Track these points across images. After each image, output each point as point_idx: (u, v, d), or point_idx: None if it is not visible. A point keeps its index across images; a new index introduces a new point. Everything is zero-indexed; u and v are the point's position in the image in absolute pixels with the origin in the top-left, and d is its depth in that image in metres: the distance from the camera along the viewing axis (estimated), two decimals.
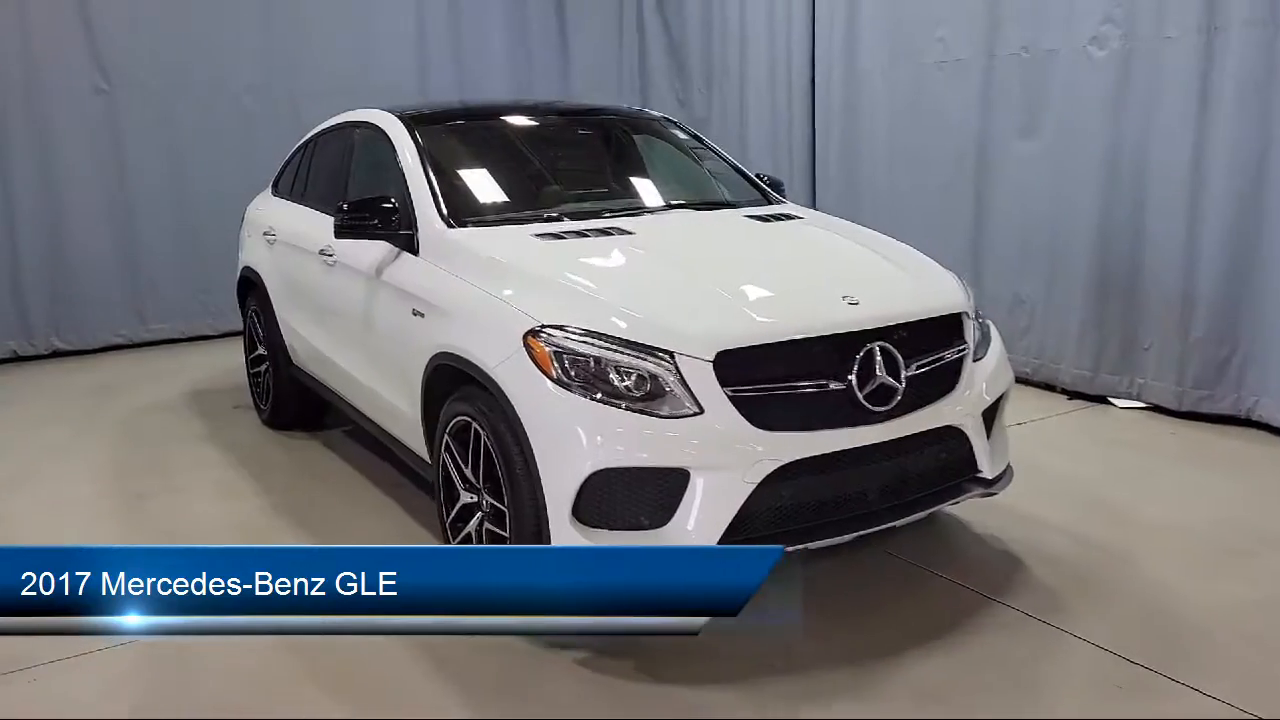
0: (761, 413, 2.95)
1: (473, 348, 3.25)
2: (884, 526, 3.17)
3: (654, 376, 2.93)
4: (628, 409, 2.92)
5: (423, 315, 3.63)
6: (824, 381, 3.03)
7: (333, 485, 4.79)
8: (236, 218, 7.96)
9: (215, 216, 7.94)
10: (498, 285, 3.34)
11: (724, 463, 2.93)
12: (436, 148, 4.18)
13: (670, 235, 3.85)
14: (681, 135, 4.89)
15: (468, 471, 3.41)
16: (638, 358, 2.95)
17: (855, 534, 3.12)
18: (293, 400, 5.49)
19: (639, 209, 4.09)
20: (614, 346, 2.97)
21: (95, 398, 6.45)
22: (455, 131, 4.46)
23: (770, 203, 4.45)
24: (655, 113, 5.25)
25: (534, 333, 3.05)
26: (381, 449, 5.02)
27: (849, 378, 3.05)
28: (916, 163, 6.54)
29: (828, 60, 7.15)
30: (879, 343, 3.10)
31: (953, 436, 3.31)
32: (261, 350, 5.69)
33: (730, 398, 2.93)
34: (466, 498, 3.46)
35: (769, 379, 2.99)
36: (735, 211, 4.24)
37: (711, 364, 2.93)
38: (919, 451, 3.23)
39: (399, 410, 3.93)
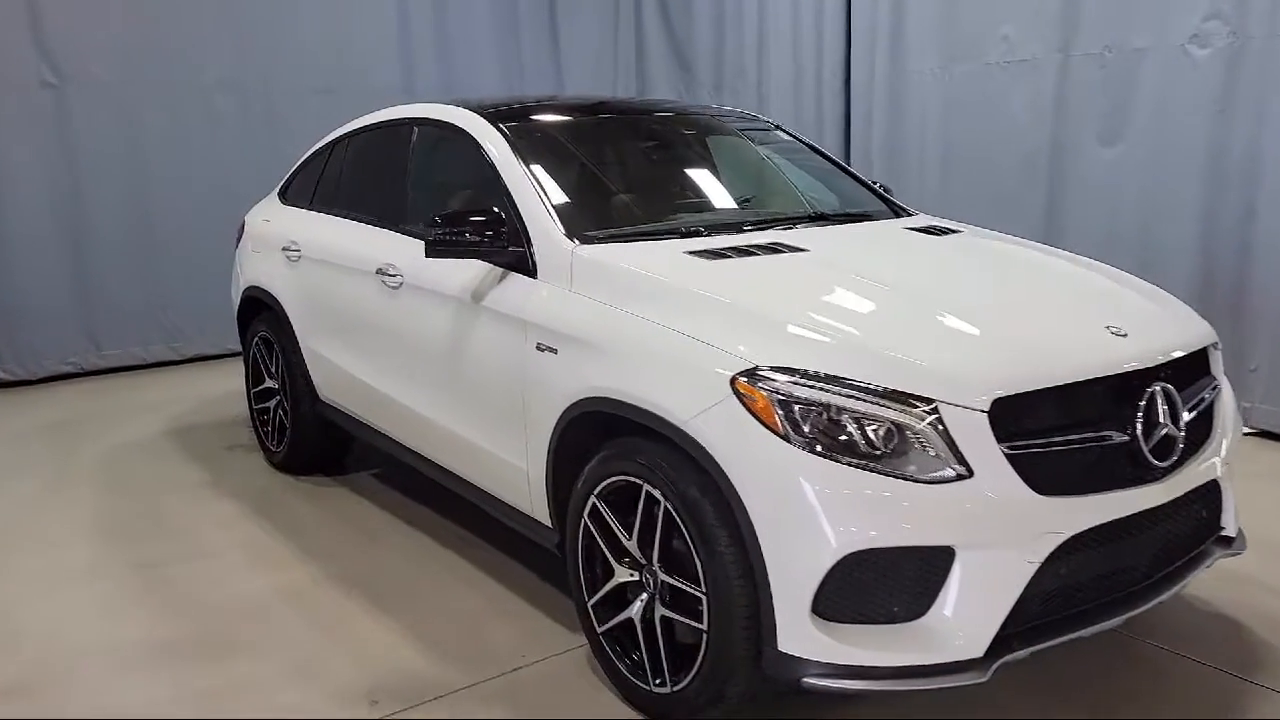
0: (1039, 474, 2.39)
1: (652, 394, 2.61)
2: (1153, 604, 2.64)
3: (906, 430, 2.35)
4: (878, 472, 2.32)
5: (554, 351, 2.97)
6: (1106, 433, 2.48)
7: (390, 545, 4.07)
8: (203, 227, 7.18)
9: (179, 227, 7.14)
10: (670, 315, 2.70)
11: (1000, 538, 2.36)
12: (533, 150, 3.52)
13: (851, 253, 3.26)
14: (785, 137, 4.32)
15: (630, 544, 2.77)
16: (887, 407, 2.36)
17: (1125, 616, 2.58)
18: (316, 440, 4.75)
19: (783, 221, 3.49)
20: (857, 393, 2.37)
21: (57, 439, 5.57)
22: (548, 132, 3.79)
23: (907, 212, 3.90)
24: (751, 113, 4.66)
25: (748, 376, 2.43)
26: (426, 496, 4.39)
27: (1133, 427, 2.51)
28: (976, 169, 6.09)
29: (868, 60, 6.67)
30: (1160, 384, 2.57)
31: (1210, 491, 2.80)
32: (272, 383, 4.92)
33: (1008, 456, 2.35)
34: (624, 575, 2.82)
35: (1047, 432, 2.43)
36: (892, 224, 3.69)
37: (987, 414, 2.35)
38: (1185, 511, 2.71)
39: (504, 463, 3.26)
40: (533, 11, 8.53)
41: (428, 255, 3.28)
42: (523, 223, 3.25)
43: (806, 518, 2.33)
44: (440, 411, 3.57)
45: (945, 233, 3.54)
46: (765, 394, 2.40)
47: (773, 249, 3.09)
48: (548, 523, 3.17)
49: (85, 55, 6.68)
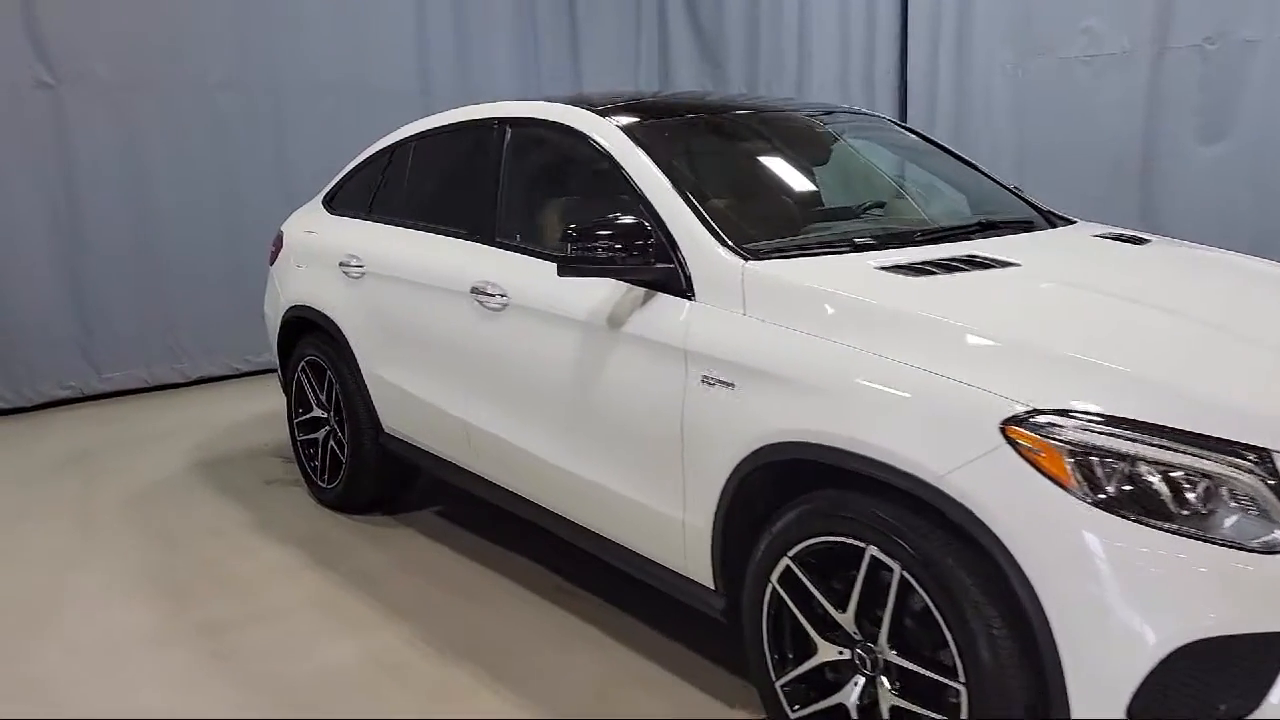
0: None
1: (885, 441, 2.18)
2: None
3: (1230, 486, 1.94)
4: (1201, 539, 1.91)
5: (729, 385, 2.53)
6: None
7: (481, 598, 3.60)
8: (209, 238, 6.65)
9: (183, 238, 6.60)
10: (896, 345, 2.28)
11: None
12: (667, 153, 3.08)
13: (1072, 267, 2.85)
14: (913, 138, 3.91)
15: (843, 617, 2.34)
16: (1207, 458, 1.95)
17: None
18: (377, 477, 4.26)
19: (957, 230, 3.07)
20: (1168, 441, 1.96)
21: (72, 476, 5.02)
22: (676, 132, 3.33)
23: (1062, 218, 3.51)
24: (876, 113, 4.25)
25: (1024, 422, 2.01)
26: (503, 537, 3.96)
27: None
28: (1055, 172, 5.72)
29: (929, 57, 6.29)
30: None
31: None
32: (321, 412, 4.43)
33: None
34: (829, 653, 2.39)
35: None
36: (1077, 231, 3.30)
37: None
38: None
39: (652, 513, 2.82)
40: (552, 10, 8.07)
41: (561, 274, 2.83)
42: (669, 235, 2.81)
43: (1117, 601, 1.91)
44: (561, 452, 3.11)
45: (1140, 241, 3.15)
46: (1051, 443, 1.98)
47: (979, 263, 2.67)
48: (709, 584, 2.73)
49: (84, 53, 6.12)
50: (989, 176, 3.73)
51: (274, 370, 6.99)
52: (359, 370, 4.09)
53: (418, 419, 3.85)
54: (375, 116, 7.17)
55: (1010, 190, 3.67)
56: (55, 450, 5.42)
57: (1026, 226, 3.28)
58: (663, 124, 3.28)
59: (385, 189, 4.19)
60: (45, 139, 6.07)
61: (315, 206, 4.67)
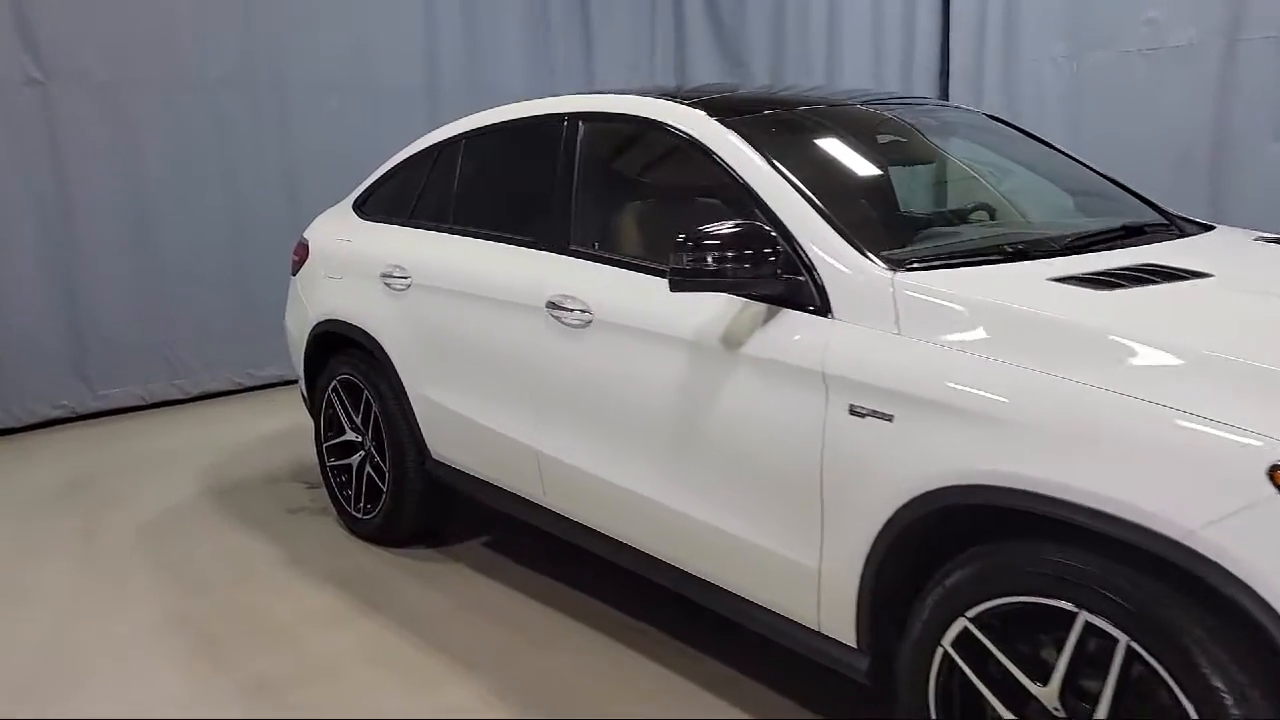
0: None
1: (1108, 488, 1.85)
2: None
3: None
4: None
5: (885, 418, 2.20)
6: None
7: (550, 643, 3.25)
8: (210, 245, 6.24)
9: (183, 245, 6.20)
10: (1104, 371, 1.95)
11: None
12: (779, 150, 2.74)
13: (1262, 277, 2.53)
14: (1016, 133, 3.60)
15: (1044, 691, 2.01)
16: None
17: None
18: (422, 507, 3.90)
19: (1102, 235, 2.75)
20: None
21: (74, 505, 4.60)
22: (779, 128, 2.98)
23: (1194, 221, 3.20)
24: (968, 107, 3.92)
25: None
26: (559, 571, 3.62)
27: None
28: (1114, 170, 5.42)
29: (973, 50, 6.00)
30: None
31: None
32: (355, 435, 4.06)
33: None
34: None
35: None
36: (1239, 236, 2.99)
37: None
38: None
39: (777, 559, 2.48)
40: (564, 7, 7.70)
41: (675, 289, 2.48)
42: (796, 243, 2.47)
43: None
44: (661, 487, 2.76)
45: None
46: None
47: (1169, 274, 2.35)
48: (850, 642, 2.39)
49: (76, 48, 5.69)
50: (1111, 179, 3.41)
51: (279, 385, 6.66)
52: (403, 391, 3.72)
53: (473, 445, 3.49)
54: (382, 116, 6.83)
55: (1132, 193, 3.36)
56: (52, 476, 4.99)
57: (1170, 231, 2.97)
58: (763, 119, 2.93)
59: (431, 192, 3.82)
60: (35, 140, 5.64)
61: (344, 211, 4.29)
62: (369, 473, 4.02)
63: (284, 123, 6.49)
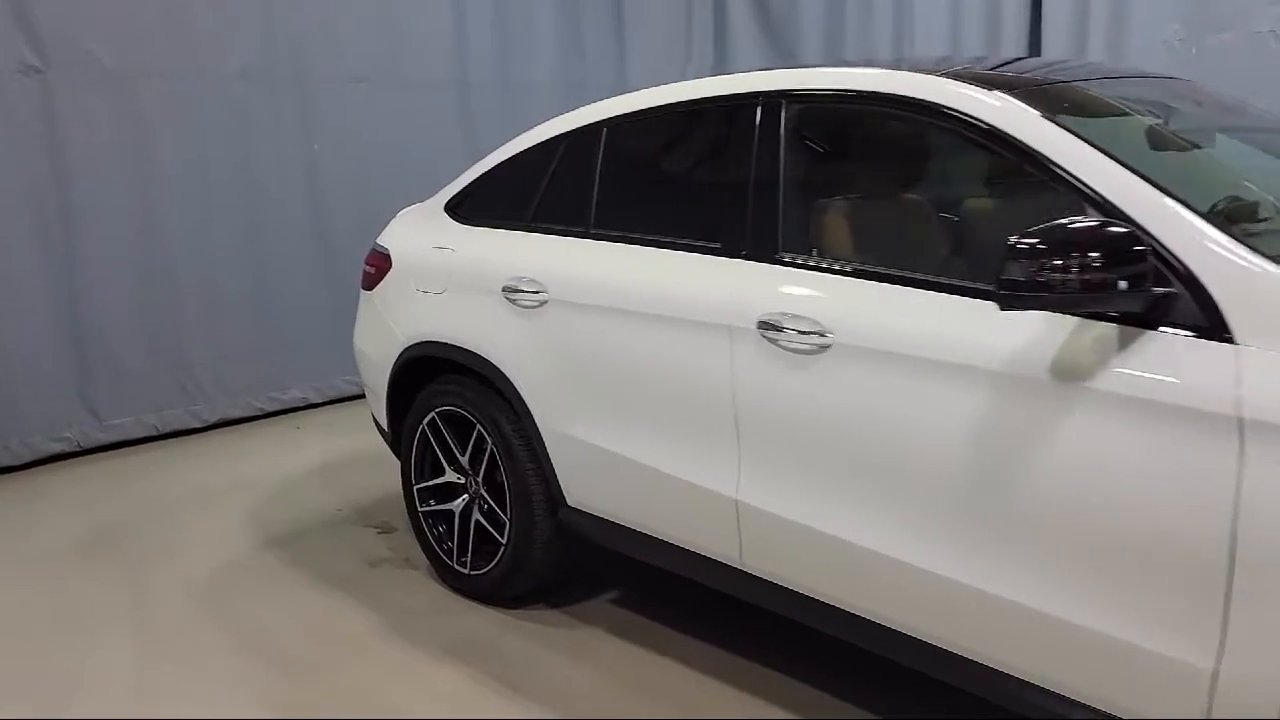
0: None
1: None
2: None
3: None
4: None
5: None
6: None
7: None
8: (227, 254, 5.57)
9: (197, 254, 5.53)
10: None
11: None
12: (1100, 140, 2.20)
13: None
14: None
15: None
16: None
17: None
18: (549, 561, 3.32)
19: None
20: None
21: (111, 561, 3.94)
22: (1082, 111, 2.41)
23: None
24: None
25: None
26: (709, 632, 3.04)
27: None
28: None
29: (1074, 34, 5.55)
30: None
31: None
32: (456, 477, 3.47)
33: None
34: None
35: None
36: None
37: None
38: None
39: (1148, 658, 1.95)
40: None
41: (1006, 307, 1.94)
42: (1165, 247, 1.94)
43: None
44: (950, 559, 2.21)
45: None
46: None
47: None
48: None
49: (79, 32, 5.01)
50: None
51: (304, 409, 5.99)
52: (534, 427, 3.13)
53: (633, 492, 2.91)
54: (412, 110, 6.22)
55: None
56: (72, 525, 4.31)
57: None
58: (1061, 100, 2.38)
59: (558, 192, 3.24)
60: (32, 136, 4.94)
61: (433, 215, 3.68)
62: (478, 520, 3.43)
63: (306, 118, 5.84)
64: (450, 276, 3.41)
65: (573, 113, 3.31)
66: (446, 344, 3.39)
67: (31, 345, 5.03)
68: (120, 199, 5.23)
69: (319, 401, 6.13)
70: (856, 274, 2.39)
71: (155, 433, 5.50)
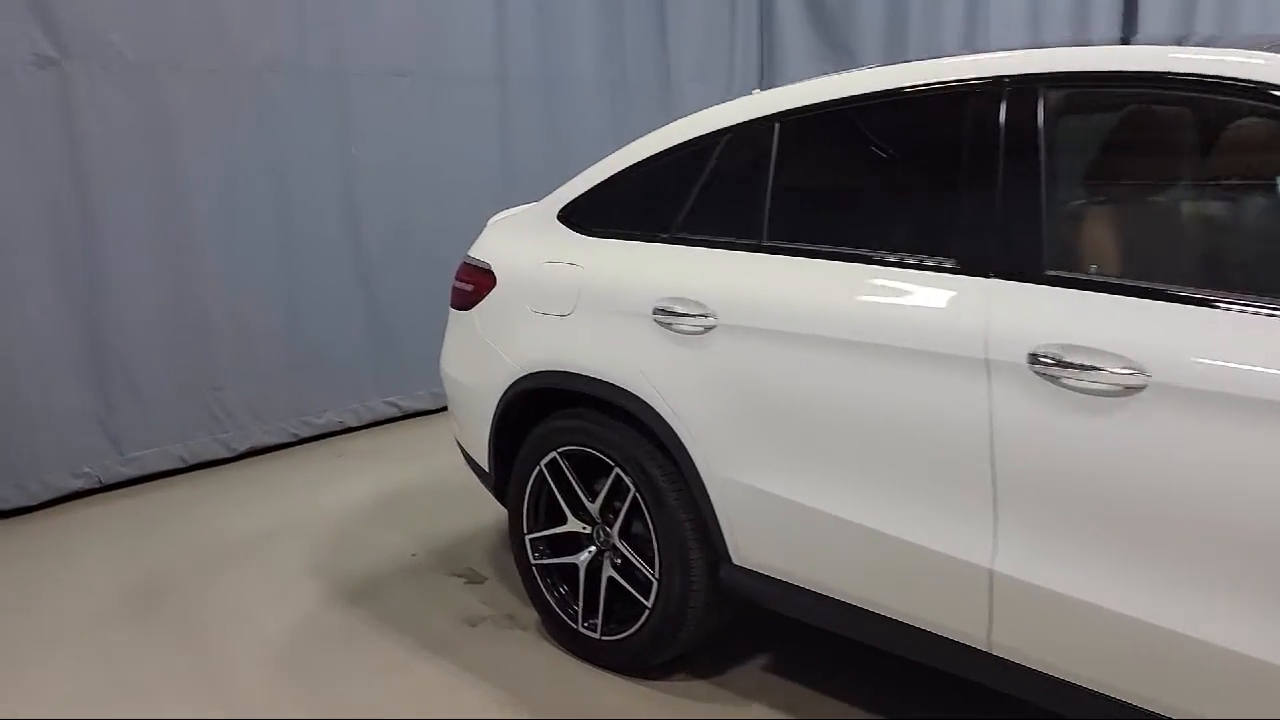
0: None
1: None
2: None
3: None
4: None
5: None
6: None
7: None
8: (258, 265, 5.04)
9: (226, 264, 4.99)
10: None
11: None
12: None
13: None
14: None
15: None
16: None
17: None
18: (702, 625, 2.85)
19: None
20: None
21: (166, 624, 3.43)
22: None
23: None
24: None
25: None
26: (878, 700, 2.59)
27: None
28: None
29: (1177, 21, 5.16)
30: None
31: None
32: (581, 527, 3.00)
33: None
34: None
35: None
36: None
37: None
38: None
39: None
40: None
41: None
42: None
43: None
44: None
45: None
46: None
47: None
48: None
49: (100, 20, 4.47)
50: None
51: (339, 433, 5.46)
52: (695, 472, 2.67)
53: (836, 555, 2.46)
54: (451, 108, 5.74)
55: None
56: (111, 577, 3.78)
57: None
58: None
59: (715, 198, 2.78)
60: (47, 136, 4.40)
61: (543, 223, 3.21)
62: (610, 577, 2.96)
63: (343, 115, 5.34)
64: (580, 297, 2.94)
65: (725, 107, 2.85)
66: (576, 374, 2.92)
67: (47, 371, 4.49)
68: (143, 207, 4.70)
69: (356, 425, 5.62)
70: (1165, 295, 1.95)
71: (182, 464, 4.97)
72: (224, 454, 5.10)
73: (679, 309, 2.67)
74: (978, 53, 2.40)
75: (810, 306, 2.43)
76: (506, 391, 3.14)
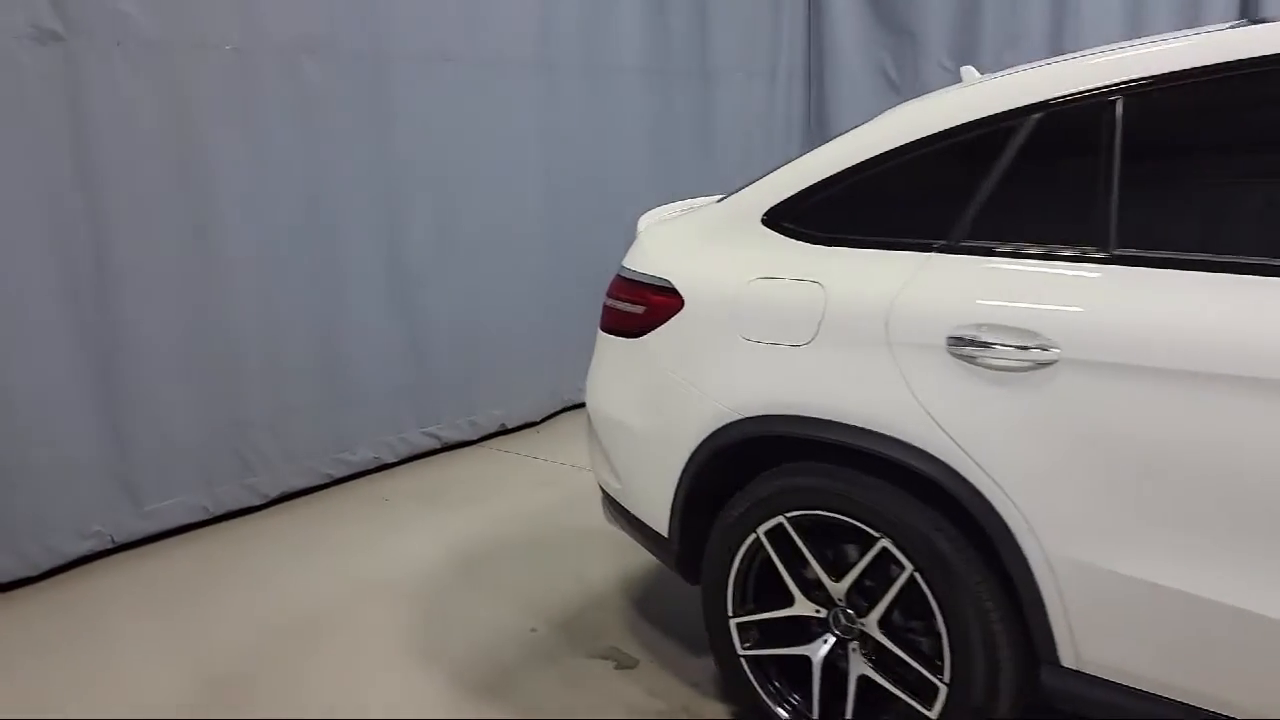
0: None
1: None
2: None
3: None
4: None
5: None
6: None
7: None
8: (291, 275, 4.25)
9: (258, 277, 4.27)
10: None
11: None
12: None
13: None
14: None
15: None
16: None
17: None
18: None
19: None
20: None
21: None
22: None
23: None
24: None
25: None
26: None
27: None
28: None
29: None
30: None
31: None
32: (810, 611, 2.38)
33: None
34: None
35: None
36: None
37: None
38: None
39: None
40: None
41: None
42: None
43: None
44: None
45: None
46: None
47: None
48: None
49: None
50: None
51: (375, 471, 4.70)
52: (1016, 549, 2.06)
53: (1238, 656, 1.87)
54: (494, 97, 5.05)
55: None
56: (157, 676, 3.04)
57: None
58: None
59: (1022, 195, 2.17)
60: (48, 125, 3.63)
61: (744, 230, 2.57)
62: (865, 675, 2.34)
63: (384, 103, 4.63)
64: (823, 322, 2.31)
65: (1012, 80, 2.25)
66: (819, 420, 2.29)
67: (51, 409, 3.71)
68: (161, 213, 3.94)
69: (393, 461, 4.90)
70: None
71: (206, 516, 4.21)
72: (253, 501, 4.35)
73: (990, 338, 2.06)
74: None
75: (1221, 337, 1.84)
76: (706, 440, 2.49)
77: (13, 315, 3.55)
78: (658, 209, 3.15)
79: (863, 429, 2.22)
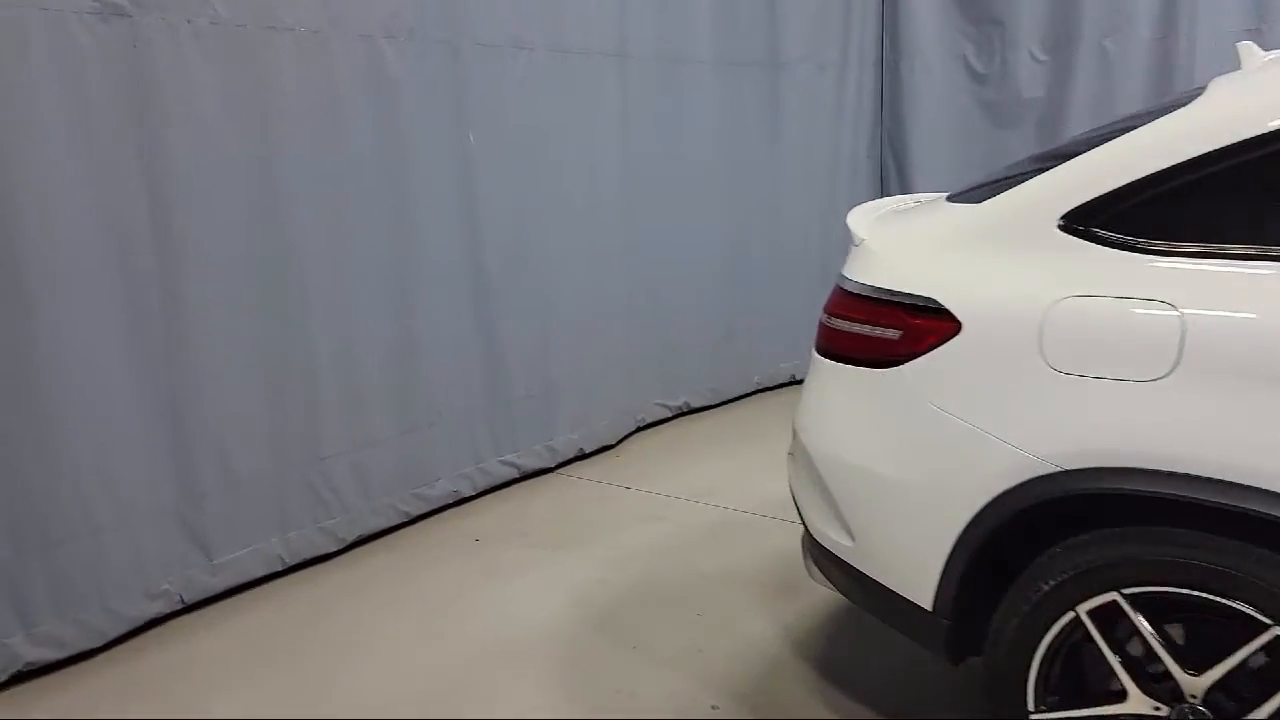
0: None
1: None
2: None
3: None
4: None
5: None
6: None
7: None
8: (367, 294, 3.69)
9: (335, 292, 3.78)
10: None
11: None
12: None
13: None
14: None
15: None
16: None
17: None
18: None
19: None
20: None
21: None
22: None
23: None
24: None
25: None
26: None
27: None
28: None
29: None
30: None
31: None
32: (1145, 707, 1.95)
33: None
34: None
35: None
36: None
37: None
38: None
39: None
40: None
41: None
42: None
43: None
44: None
45: None
46: None
47: None
48: None
49: None
50: None
51: (454, 505, 4.14)
52: None
53: None
54: (571, 88, 4.57)
55: None
56: None
57: None
58: None
59: None
60: (112, 111, 3.08)
61: (1031, 236, 2.12)
62: None
63: (463, 88, 4.13)
64: (1183, 352, 1.86)
65: None
66: (1185, 477, 1.83)
67: (112, 453, 3.16)
68: (232, 217, 3.42)
69: (472, 494, 4.40)
70: None
71: (281, 566, 3.68)
72: (330, 547, 3.82)
73: None
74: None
75: None
76: (1003, 495, 2.03)
77: (64, 339, 3.00)
78: (867, 205, 2.69)
79: (1257, 489, 1.77)
